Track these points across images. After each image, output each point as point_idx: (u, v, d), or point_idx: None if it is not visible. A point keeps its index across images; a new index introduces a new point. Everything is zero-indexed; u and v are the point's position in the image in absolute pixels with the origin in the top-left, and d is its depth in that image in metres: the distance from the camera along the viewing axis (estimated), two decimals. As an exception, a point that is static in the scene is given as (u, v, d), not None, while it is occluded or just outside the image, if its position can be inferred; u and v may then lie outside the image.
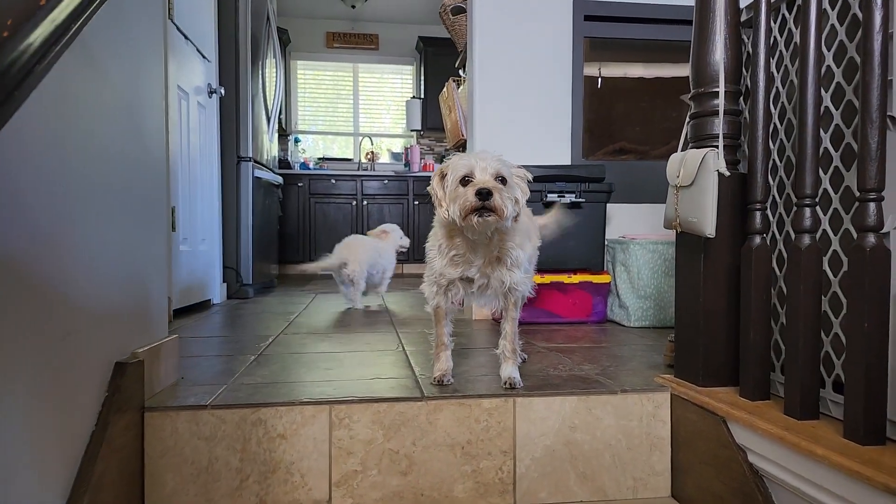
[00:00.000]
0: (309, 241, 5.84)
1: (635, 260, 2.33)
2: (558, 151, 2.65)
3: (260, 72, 3.62)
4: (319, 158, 6.47)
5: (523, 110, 2.61)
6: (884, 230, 0.90)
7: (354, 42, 6.64)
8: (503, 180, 1.21)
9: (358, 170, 6.35)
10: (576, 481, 1.26)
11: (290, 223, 5.78)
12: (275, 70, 4.03)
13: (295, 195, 5.80)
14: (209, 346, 1.81)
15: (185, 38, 2.66)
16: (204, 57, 2.95)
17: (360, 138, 6.72)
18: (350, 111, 6.75)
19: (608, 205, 2.49)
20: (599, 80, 2.84)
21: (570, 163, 2.69)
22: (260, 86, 3.62)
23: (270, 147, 4.01)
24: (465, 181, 1.19)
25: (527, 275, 1.39)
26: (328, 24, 6.58)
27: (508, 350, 1.35)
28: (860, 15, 0.94)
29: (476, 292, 1.36)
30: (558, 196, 2.36)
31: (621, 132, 2.92)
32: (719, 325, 1.25)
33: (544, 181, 2.34)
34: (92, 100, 1.01)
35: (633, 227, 2.73)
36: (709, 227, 1.17)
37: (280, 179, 4.19)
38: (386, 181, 5.96)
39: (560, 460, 1.26)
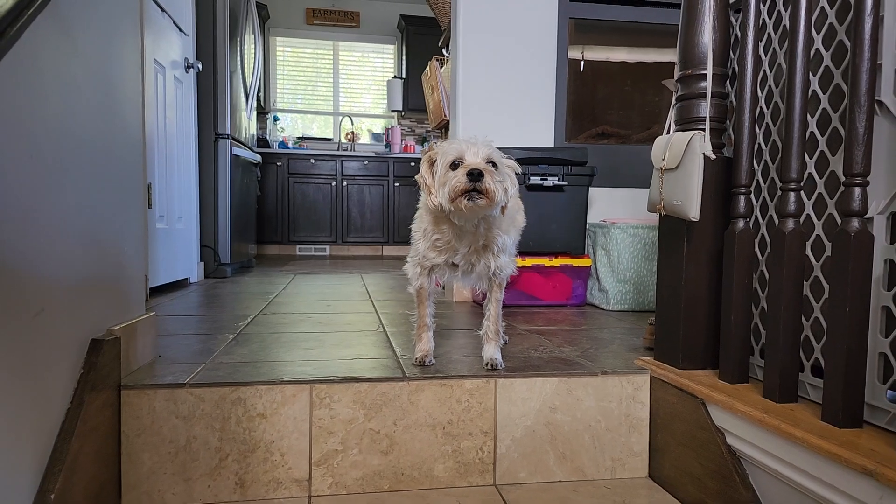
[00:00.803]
0: (287, 222, 5.78)
1: (616, 244, 2.34)
2: (541, 134, 2.64)
3: (238, 47, 3.53)
4: (299, 138, 6.37)
5: (507, 91, 2.59)
6: (868, 215, 0.91)
7: (335, 19, 6.52)
8: (494, 165, 1.19)
9: (338, 150, 6.27)
10: (555, 461, 1.27)
11: (269, 203, 5.70)
12: (253, 46, 3.93)
13: (273, 174, 5.72)
14: (187, 324, 1.78)
15: (162, 10, 2.58)
16: (181, 30, 2.86)
17: (340, 118, 6.63)
18: (330, 90, 6.65)
19: (590, 188, 2.50)
20: (582, 62, 2.83)
21: (552, 145, 2.68)
22: (238, 62, 3.54)
23: (249, 125, 3.93)
24: (454, 165, 1.17)
25: (511, 257, 1.39)
26: (308, 1, 6.44)
27: (491, 331, 1.34)
28: (851, -1, 0.94)
29: (460, 276, 1.35)
30: (541, 179, 2.35)
31: (603, 116, 2.92)
32: (700, 309, 1.26)
33: (527, 164, 2.33)
34: (64, 71, 0.97)
35: (614, 211, 2.75)
36: (693, 211, 1.17)
37: (258, 158, 4.12)
38: (366, 162, 5.90)
39: (540, 441, 1.26)
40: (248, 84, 3.81)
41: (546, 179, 2.37)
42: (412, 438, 1.20)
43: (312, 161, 5.81)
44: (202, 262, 3.17)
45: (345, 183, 5.91)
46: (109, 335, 1.11)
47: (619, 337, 1.74)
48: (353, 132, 6.46)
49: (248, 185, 3.88)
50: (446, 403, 1.21)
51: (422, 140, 6.57)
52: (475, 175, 1.12)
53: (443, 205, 1.17)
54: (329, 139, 6.56)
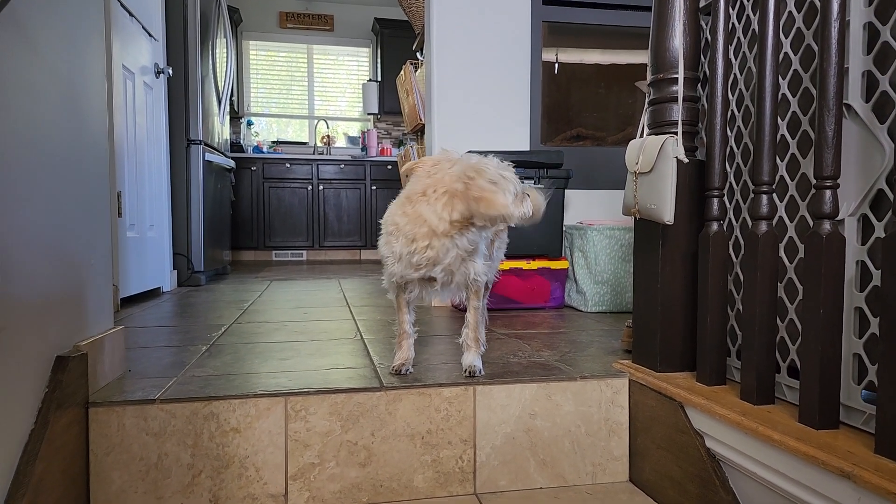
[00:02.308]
0: (263, 227, 5.71)
1: (592, 246, 2.35)
2: (516, 137, 2.64)
3: (210, 51, 3.48)
4: (273, 142, 6.30)
5: (482, 95, 2.59)
6: (839, 217, 0.91)
7: (308, 23, 6.46)
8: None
9: (313, 154, 6.21)
10: (536, 468, 1.26)
11: (244, 208, 5.63)
12: (225, 50, 3.88)
13: (248, 179, 5.64)
14: (158, 336, 1.73)
15: (130, 14, 2.52)
16: (151, 35, 2.81)
17: (316, 121, 6.57)
18: (305, 93, 6.59)
19: (566, 191, 2.51)
20: (556, 65, 2.84)
21: (528, 148, 2.68)
22: (210, 66, 3.48)
23: (222, 130, 3.87)
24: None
25: (489, 262, 1.38)
26: (281, 4, 6.38)
27: (471, 339, 1.33)
28: (818, 3, 0.95)
29: (439, 289, 1.31)
30: (518, 182, 2.35)
31: (578, 118, 2.94)
32: (677, 311, 1.27)
33: (504, 167, 2.33)
34: (25, 78, 0.93)
35: (591, 212, 2.76)
36: (667, 214, 1.17)
37: (232, 163, 4.06)
38: (342, 166, 5.86)
39: (520, 448, 1.25)
40: (221, 88, 3.75)
41: (522, 182, 2.36)
42: (390, 449, 1.18)
43: (288, 165, 5.75)
44: (175, 271, 3.11)
45: (321, 187, 5.86)
46: (76, 351, 1.08)
47: (598, 340, 1.74)
48: (328, 136, 6.41)
49: (221, 190, 3.82)
50: (424, 412, 1.20)
51: (399, 143, 6.55)
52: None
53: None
54: (305, 143, 6.50)
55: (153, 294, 2.76)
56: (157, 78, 2.91)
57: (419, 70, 3.03)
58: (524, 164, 2.37)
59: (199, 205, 3.22)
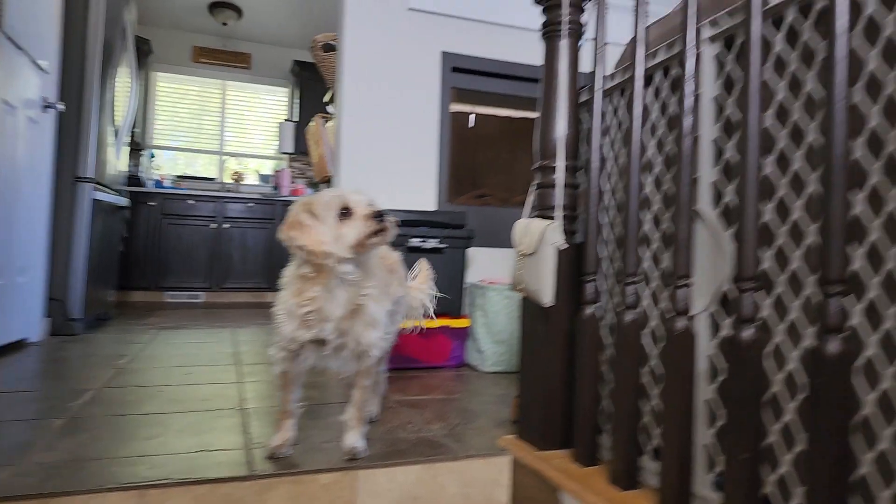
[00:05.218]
0: (158, 265, 5.39)
1: (492, 305, 2.39)
2: (424, 195, 2.68)
3: (111, 83, 3.30)
4: (178, 176, 6.03)
5: (392, 153, 2.61)
6: (692, 313, 0.98)
7: (224, 59, 6.32)
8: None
9: (220, 190, 5.99)
10: (416, 552, 1.22)
11: (138, 246, 5.30)
12: (130, 81, 3.70)
13: (146, 215, 5.33)
14: (8, 405, 1.56)
15: (18, 48, 2.36)
16: (40, 68, 2.63)
17: (226, 157, 6.37)
18: (217, 129, 6.39)
19: (470, 249, 2.55)
20: (470, 120, 2.93)
21: (435, 207, 2.72)
22: (110, 98, 3.30)
23: (118, 163, 3.65)
24: (344, 213, 1.18)
25: (385, 333, 1.34)
26: (196, 38, 6.22)
27: (354, 419, 1.28)
28: (677, 113, 1.03)
29: (331, 354, 1.27)
30: (421, 241, 2.37)
31: (484, 178, 3.02)
32: (557, 389, 1.30)
33: (408, 226, 2.34)
34: None
35: (495, 270, 2.82)
36: (547, 297, 1.21)
37: (125, 201, 3.83)
38: (252, 204, 5.68)
39: (401, 531, 1.22)
40: (121, 121, 3.56)
41: (426, 241, 2.39)
42: (259, 541, 1.11)
43: (192, 202, 5.50)
44: (49, 318, 2.85)
45: (227, 225, 5.64)
46: None
47: (490, 408, 1.75)
48: (239, 173, 6.22)
49: (111, 228, 3.58)
50: (298, 502, 1.14)
51: (314, 184, 6.46)
52: (380, 216, 1.18)
53: (338, 254, 1.16)
54: (212, 179, 6.26)
55: (15, 347, 2.50)
56: (45, 112, 2.72)
57: (329, 123, 3.02)
58: (428, 223, 2.40)
59: (80, 245, 2.99)
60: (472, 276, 2.70)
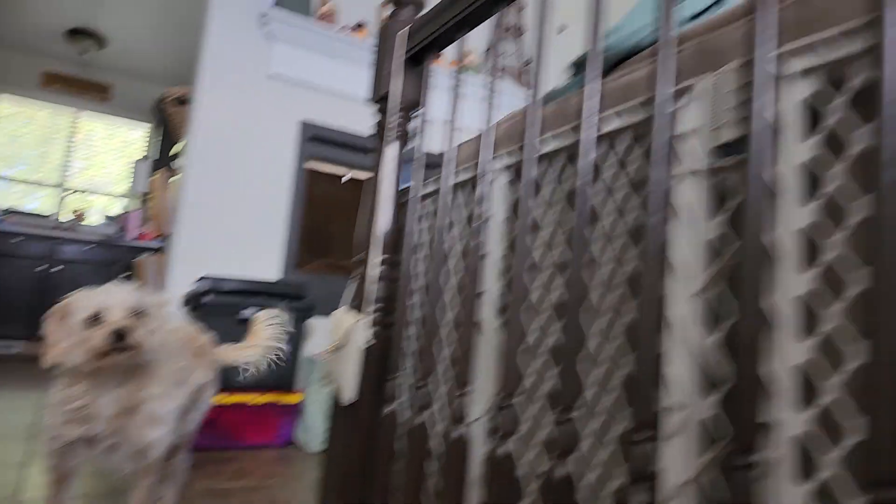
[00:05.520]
0: (-35, 311, 4.71)
1: (327, 381, 2.35)
2: (268, 263, 2.62)
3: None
4: (5, 211, 5.40)
5: (238, 218, 2.55)
6: (469, 421, 1.03)
7: (80, 88, 5.90)
8: (141, 314, 1.13)
9: (54, 229, 5.44)
10: None
11: (-59, 286, 4.62)
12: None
13: (-43, 252, 4.69)
14: None
15: None
16: None
17: (67, 193, 5.83)
18: (61, 161, 5.86)
19: (312, 320, 2.51)
20: (346, 176, 2.94)
21: (280, 275, 2.67)
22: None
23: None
24: (94, 319, 1.08)
25: (172, 428, 1.26)
26: (48, 63, 5.77)
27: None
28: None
29: (104, 453, 1.16)
30: (255, 312, 2.30)
31: (337, 245, 3.04)
32: (356, 483, 1.29)
33: (243, 296, 2.27)
34: None
35: (336, 343, 2.79)
36: (347, 395, 1.22)
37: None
38: (92, 246, 5.21)
39: None
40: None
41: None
42: None
43: (19, 239, 4.94)
44: None
45: (60, 267, 5.11)
46: None
47: (305, 495, 1.69)
48: (80, 211, 5.70)
49: None
50: None
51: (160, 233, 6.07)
52: (120, 335, 1.08)
53: (70, 363, 1.07)
54: (47, 216, 5.68)
55: None
56: None
57: (173, 178, 2.90)
58: (264, 293, 2.34)
59: None
60: (312, 347, 2.65)
